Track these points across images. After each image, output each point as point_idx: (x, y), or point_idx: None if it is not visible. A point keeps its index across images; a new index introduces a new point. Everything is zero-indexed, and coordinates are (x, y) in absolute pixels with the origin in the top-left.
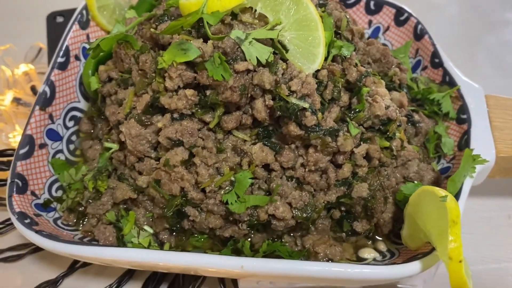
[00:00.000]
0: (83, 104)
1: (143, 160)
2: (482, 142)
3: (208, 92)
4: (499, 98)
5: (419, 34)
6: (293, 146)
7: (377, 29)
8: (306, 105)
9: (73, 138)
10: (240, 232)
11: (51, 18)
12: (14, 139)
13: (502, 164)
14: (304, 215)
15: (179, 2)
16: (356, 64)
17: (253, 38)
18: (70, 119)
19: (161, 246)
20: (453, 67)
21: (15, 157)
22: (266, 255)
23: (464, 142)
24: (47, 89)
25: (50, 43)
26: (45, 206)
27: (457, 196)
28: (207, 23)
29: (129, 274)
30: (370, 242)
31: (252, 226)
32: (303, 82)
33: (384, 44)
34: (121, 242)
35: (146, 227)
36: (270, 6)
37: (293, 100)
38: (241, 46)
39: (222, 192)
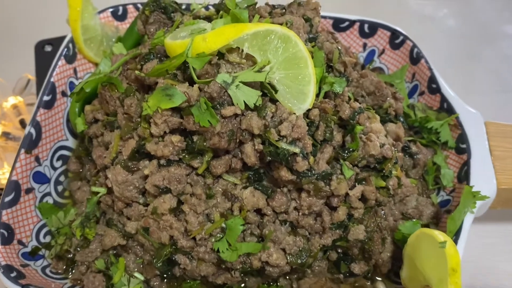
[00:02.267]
0: (71, 142)
1: (132, 206)
2: (482, 173)
3: (195, 138)
4: (499, 125)
5: (415, 58)
6: (285, 189)
7: (372, 52)
8: (297, 150)
9: (61, 178)
10: (233, 279)
11: (39, 47)
12: (4, 176)
13: (503, 196)
14: (299, 261)
15: (164, 42)
16: (349, 98)
17: (240, 82)
18: (58, 159)
19: None
20: (450, 93)
21: (0, 206)
22: None
23: (464, 174)
24: (33, 131)
25: (39, 73)
26: (33, 254)
27: (457, 234)
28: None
29: None
30: (369, 283)
31: (245, 273)
32: (293, 125)
33: (379, 68)
34: None
35: (136, 274)
36: (258, 45)
37: (283, 145)
38: (228, 90)
39: (213, 239)
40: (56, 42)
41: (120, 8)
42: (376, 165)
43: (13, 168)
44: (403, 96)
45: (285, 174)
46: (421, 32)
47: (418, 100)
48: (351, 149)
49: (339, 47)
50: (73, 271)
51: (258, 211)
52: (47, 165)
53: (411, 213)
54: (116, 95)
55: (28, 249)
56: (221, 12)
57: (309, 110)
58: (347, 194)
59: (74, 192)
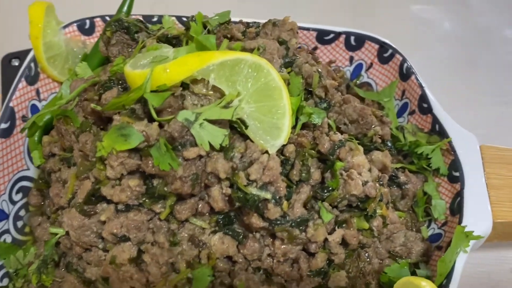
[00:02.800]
0: (32, 171)
1: (91, 251)
2: (477, 206)
3: (155, 182)
4: (496, 149)
5: (405, 73)
6: (257, 235)
7: (359, 66)
8: (268, 196)
9: (22, 213)
10: None
11: (6, 61)
12: None
13: (499, 229)
14: None
15: (124, 70)
16: (330, 128)
17: (204, 119)
18: (18, 191)
19: None
20: (442, 113)
21: None
22: None
23: (457, 206)
24: None
25: (5, 90)
26: None
27: (448, 276)
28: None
29: None
30: None
31: None
32: (265, 167)
33: (367, 83)
34: None
35: None
36: (225, 76)
37: (252, 190)
38: (191, 129)
39: None
40: (24, 55)
41: (87, 21)
42: (359, 203)
43: None
44: (391, 120)
45: (256, 221)
46: (418, 36)
47: (408, 120)
48: (330, 188)
49: (320, 69)
50: None
51: (229, 257)
52: (5, 199)
53: (399, 251)
54: (71, 129)
55: None
56: (185, 38)
57: (284, 145)
58: (326, 239)
59: (34, 228)
